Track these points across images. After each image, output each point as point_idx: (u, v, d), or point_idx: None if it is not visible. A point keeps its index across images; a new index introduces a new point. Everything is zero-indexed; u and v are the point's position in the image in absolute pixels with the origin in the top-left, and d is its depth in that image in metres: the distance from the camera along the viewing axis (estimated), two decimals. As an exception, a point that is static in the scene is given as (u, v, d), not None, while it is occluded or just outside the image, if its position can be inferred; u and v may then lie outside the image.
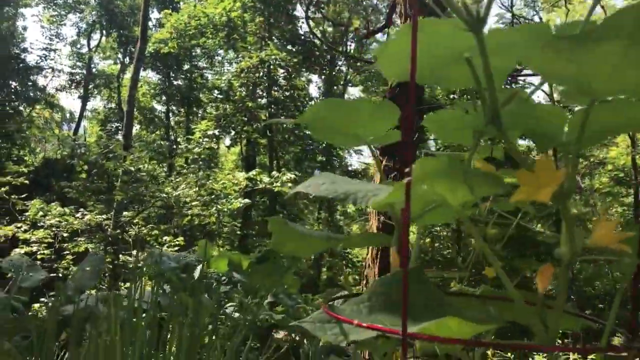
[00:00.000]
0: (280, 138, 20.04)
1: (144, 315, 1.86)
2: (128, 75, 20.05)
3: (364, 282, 9.26)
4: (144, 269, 2.19)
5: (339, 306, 0.67)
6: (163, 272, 2.12)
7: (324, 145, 20.87)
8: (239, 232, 14.46)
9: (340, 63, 22.01)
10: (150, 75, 21.11)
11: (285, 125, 20.97)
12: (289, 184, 9.94)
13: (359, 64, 19.04)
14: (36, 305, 9.37)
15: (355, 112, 0.95)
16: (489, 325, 0.73)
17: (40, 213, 8.78)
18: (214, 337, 1.94)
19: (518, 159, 0.63)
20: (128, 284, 9.54)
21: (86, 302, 1.88)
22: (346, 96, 23.63)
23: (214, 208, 8.77)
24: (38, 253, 8.84)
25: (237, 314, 2.26)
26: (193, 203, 9.15)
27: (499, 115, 0.61)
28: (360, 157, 28.53)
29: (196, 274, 2.39)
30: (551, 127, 0.70)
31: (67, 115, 23.19)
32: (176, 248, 9.41)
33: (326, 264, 19.84)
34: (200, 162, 11.89)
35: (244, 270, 2.28)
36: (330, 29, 22.50)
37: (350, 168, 23.72)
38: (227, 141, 18.86)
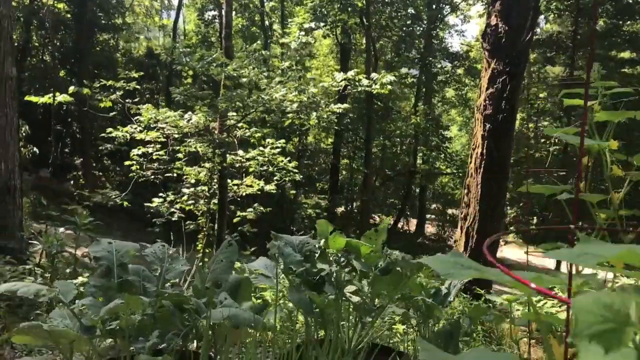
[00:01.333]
0: (376, 22, 19.19)
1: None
2: (221, -40, 19.58)
3: (465, 190, 9.16)
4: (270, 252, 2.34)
5: None
6: (288, 266, 2.25)
7: (424, 28, 19.76)
8: (336, 128, 14.58)
9: None
10: (243, -42, 20.48)
11: (381, 7, 19.92)
12: (389, 86, 9.71)
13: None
14: (157, 200, 10.09)
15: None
16: None
17: (152, 117, 9.30)
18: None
19: None
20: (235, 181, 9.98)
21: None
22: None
23: (314, 114, 8.85)
24: (153, 154, 9.52)
25: (356, 298, 2.38)
26: (293, 106, 9.28)
27: None
28: (462, 39, 26.73)
29: (316, 256, 2.51)
30: None
31: (166, 2, 23.45)
32: (277, 150, 9.76)
33: (421, 155, 19.74)
34: (297, 57, 11.79)
35: (364, 258, 2.35)
36: None
37: (451, 50, 22.46)
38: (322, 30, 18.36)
